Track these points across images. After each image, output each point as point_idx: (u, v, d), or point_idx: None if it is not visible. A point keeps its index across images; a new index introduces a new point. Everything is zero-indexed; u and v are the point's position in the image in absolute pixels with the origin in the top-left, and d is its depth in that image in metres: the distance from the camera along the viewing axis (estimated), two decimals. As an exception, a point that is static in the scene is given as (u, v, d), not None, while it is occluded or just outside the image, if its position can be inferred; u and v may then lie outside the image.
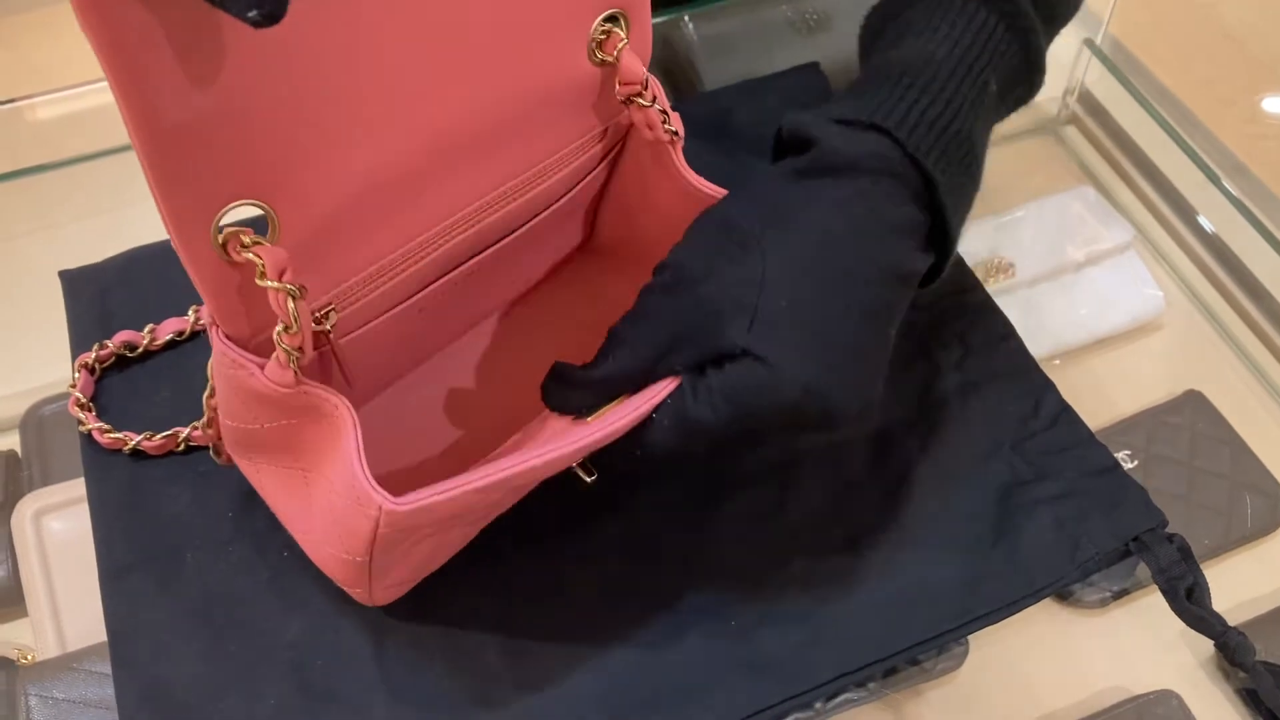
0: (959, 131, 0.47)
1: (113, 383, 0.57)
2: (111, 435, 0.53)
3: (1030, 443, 0.54)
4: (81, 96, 0.74)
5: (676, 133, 0.48)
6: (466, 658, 0.48)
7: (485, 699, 0.47)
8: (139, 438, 0.53)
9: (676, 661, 0.48)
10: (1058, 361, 0.67)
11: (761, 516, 0.52)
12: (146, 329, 0.57)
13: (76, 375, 0.56)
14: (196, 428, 0.54)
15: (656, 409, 0.43)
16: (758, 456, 0.54)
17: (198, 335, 0.58)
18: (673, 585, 0.50)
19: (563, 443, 0.41)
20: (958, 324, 0.59)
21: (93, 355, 0.56)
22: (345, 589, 0.44)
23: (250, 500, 0.51)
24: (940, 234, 0.48)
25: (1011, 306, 0.68)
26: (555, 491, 0.48)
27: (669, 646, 0.48)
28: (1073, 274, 0.70)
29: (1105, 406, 0.65)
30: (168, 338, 0.58)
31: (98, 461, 0.53)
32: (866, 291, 0.45)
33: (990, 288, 0.69)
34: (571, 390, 0.45)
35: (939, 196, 0.46)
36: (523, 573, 0.50)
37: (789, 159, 0.48)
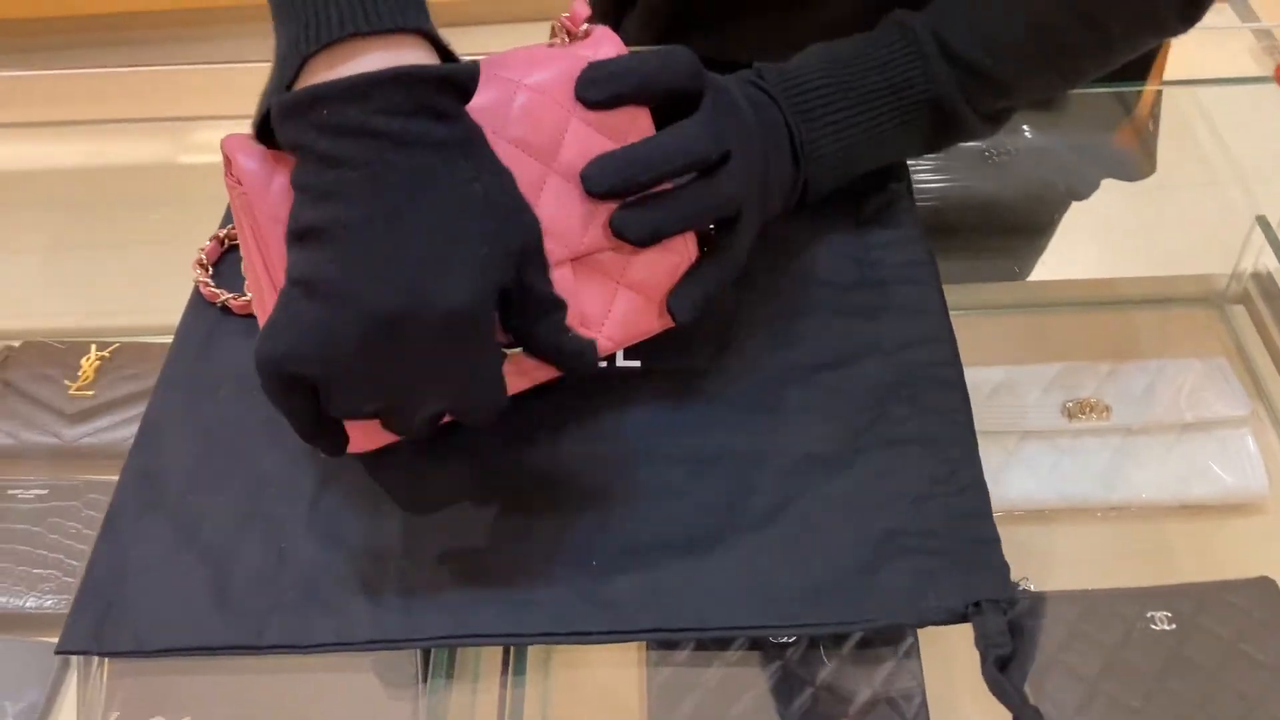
0: None
1: (236, 258, 0.68)
2: (211, 289, 0.66)
3: (930, 502, 0.56)
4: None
5: None
6: (372, 520, 0.56)
7: (372, 550, 0.55)
8: (229, 295, 0.65)
9: (528, 573, 0.54)
10: (1131, 510, 0.64)
11: (666, 488, 0.57)
12: None
13: (208, 242, 0.68)
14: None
15: None
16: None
17: None
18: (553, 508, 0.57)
19: None
20: (916, 387, 0.61)
21: (224, 231, 0.68)
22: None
23: None
24: None
25: (1101, 449, 0.66)
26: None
27: (527, 560, 0.55)
28: (1175, 434, 0.66)
29: (1165, 568, 0.61)
30: None
31: (194, 306, 0.66)
32: (758, 142, 0.59)
33: (1075, 425, 0.67)
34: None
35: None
36: (441, 470, 0.58)
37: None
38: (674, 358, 0.62)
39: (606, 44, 0.55)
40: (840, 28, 0.64)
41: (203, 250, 0.68)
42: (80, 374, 0.71)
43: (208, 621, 0.52)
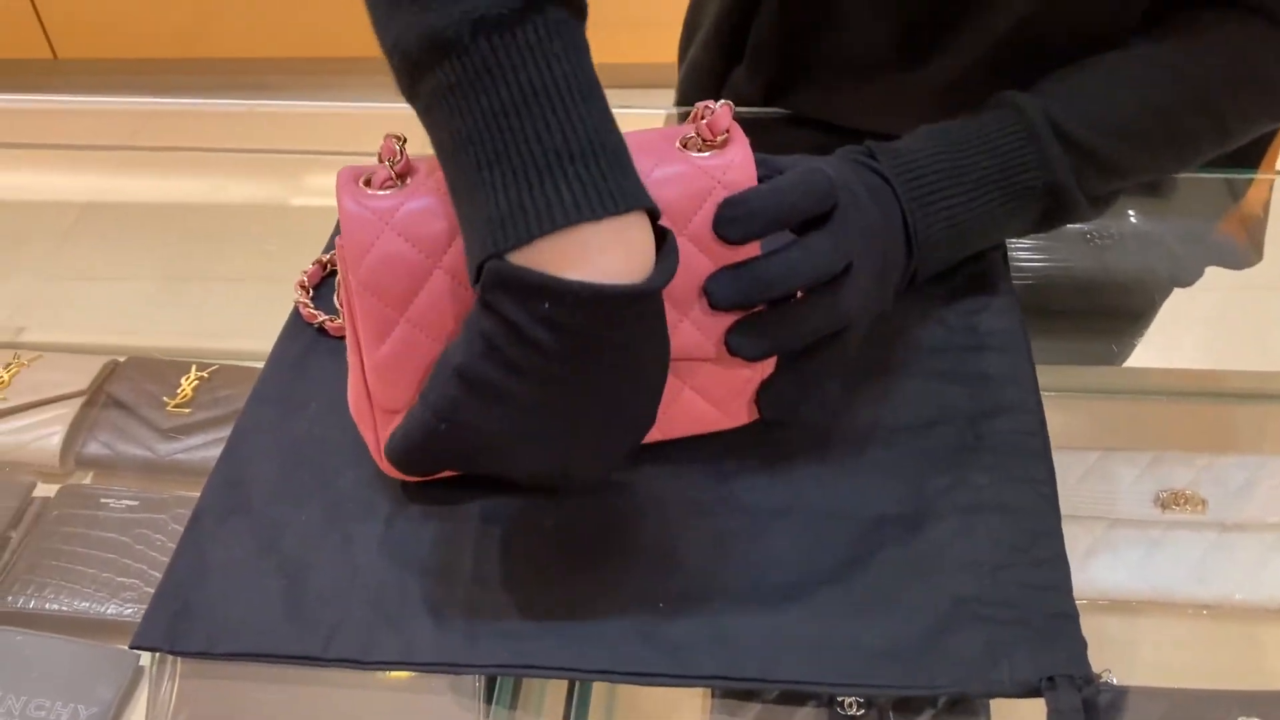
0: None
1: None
2: (310, 311, 0.70)
3: (1007, 572, 0.55)
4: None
5: None
6: (444, 543, 0.57)
7: (441, 572, 0.56)
8: (326, 317, 0.69)
9: (593, 609, 0.54)
10: (1224, 609, 0.61)
11: (737, 536, 0.57)
12: None
13: (311, 265, 0.72)
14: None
15: None
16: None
17: None
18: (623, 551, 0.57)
19: None
20: (1000, 456, 0.60)
21: (326, 256, 0.72)
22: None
23: None
24: None
25: (1194, 543, 0.64)
26: None
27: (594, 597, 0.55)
28: (1275, 533, 0.64)
29: (1257, 672, 0.59)
30: None
31: (292, 325, 0.70)
32: (886, 250, 0.60)
33: (1168, 516, 0.65)
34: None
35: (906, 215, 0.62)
36: (517, 500, 0.59)
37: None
38: None
39: (738, 161, 0.53)
40: (947, 90, 0.65)
41: (305, 273, 0.72)
42: (179, 392, 0.73)
43: (277, 629, 0.53)
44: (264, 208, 0.99)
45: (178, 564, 0.57)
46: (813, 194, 0.54)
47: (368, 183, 0.51)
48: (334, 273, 0.72)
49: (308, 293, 0.71)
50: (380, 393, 0.55)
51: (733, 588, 0.55)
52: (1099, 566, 0.64)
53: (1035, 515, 0.57)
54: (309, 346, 0.68)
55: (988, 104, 0.65)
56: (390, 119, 0.53)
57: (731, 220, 0.52)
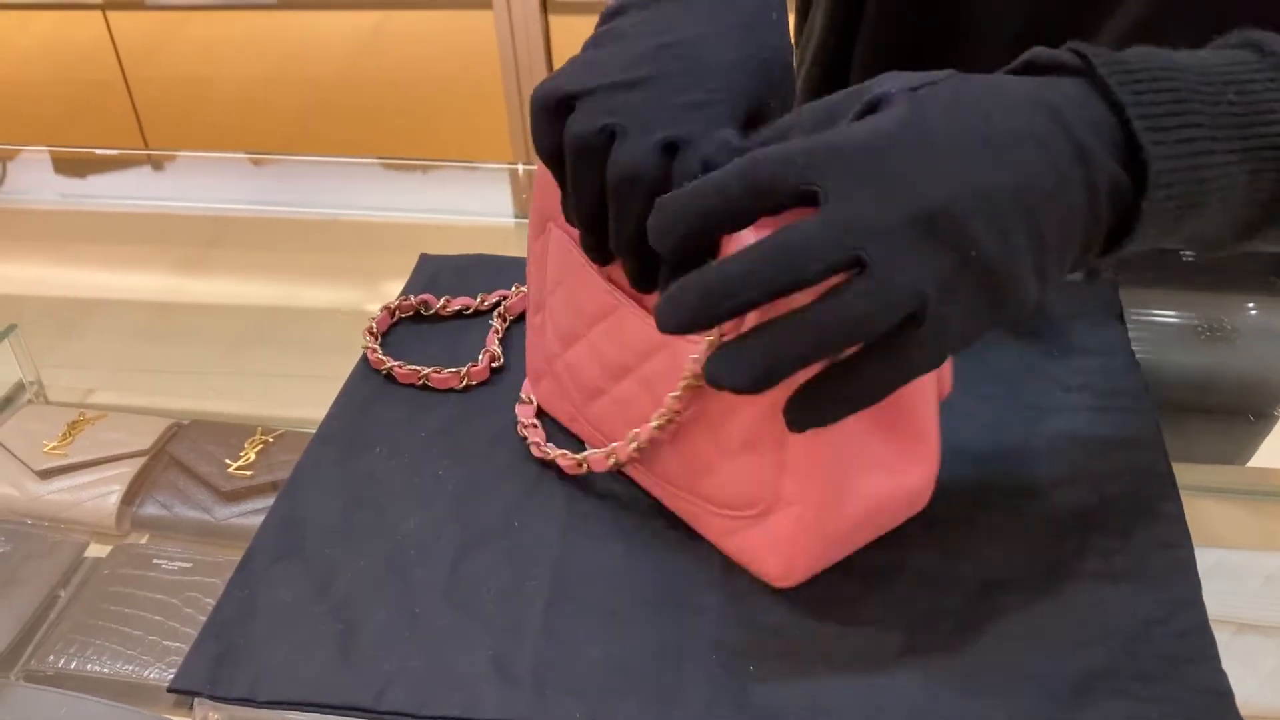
0: (1181, 99, 0.44)
1: (404, 329, 0.75)
2: (378, 356, 0.72)
3: (1144, 644, 0.50)
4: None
5: None
6: (512, 592, 0.54)
7: (508, 624, 0.52)
8: (394, 363, 0.71)
9: (676, 669, 0.50)
10: None
11: (838, 599, 0.53)
12: (442, 299, 0.74)
13: (379, 312, 0.73)
14: (439, 371, 0.70)
15: None
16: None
17: (479, 314, 0.75)
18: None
19: None
20: (1129, 520, 0.55)
21: (395, 303, 0.74)
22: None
23: (441, 431, 0.66)
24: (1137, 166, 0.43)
25: None
26: None
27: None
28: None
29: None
30: (455, 309, 0.75)
31: (360, 370, 0.71)
32: (1050, 148, 0.41)
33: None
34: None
35: (1128, 115, 0.42)
36: (595, 546, 0.56)
37: None
38: None
39: None
40: None
41: (373, 320, 0.74)
42: (242, 454, 0.71)
43: (328, 677, 0.49)
44: (334, 273, 0.99)
45: (225, 605, 0.54)
46: (749, 194, 0.41)
47: None
48: (401, 320, 0.75)
49: (376, 338, 0.73)
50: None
51: (832, 652, 0.50)
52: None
53: (1172, 583, 0.53)
54: (376, 391, 0.68)
55: (1213, 40, 0.49)
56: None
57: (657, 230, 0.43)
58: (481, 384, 0.70)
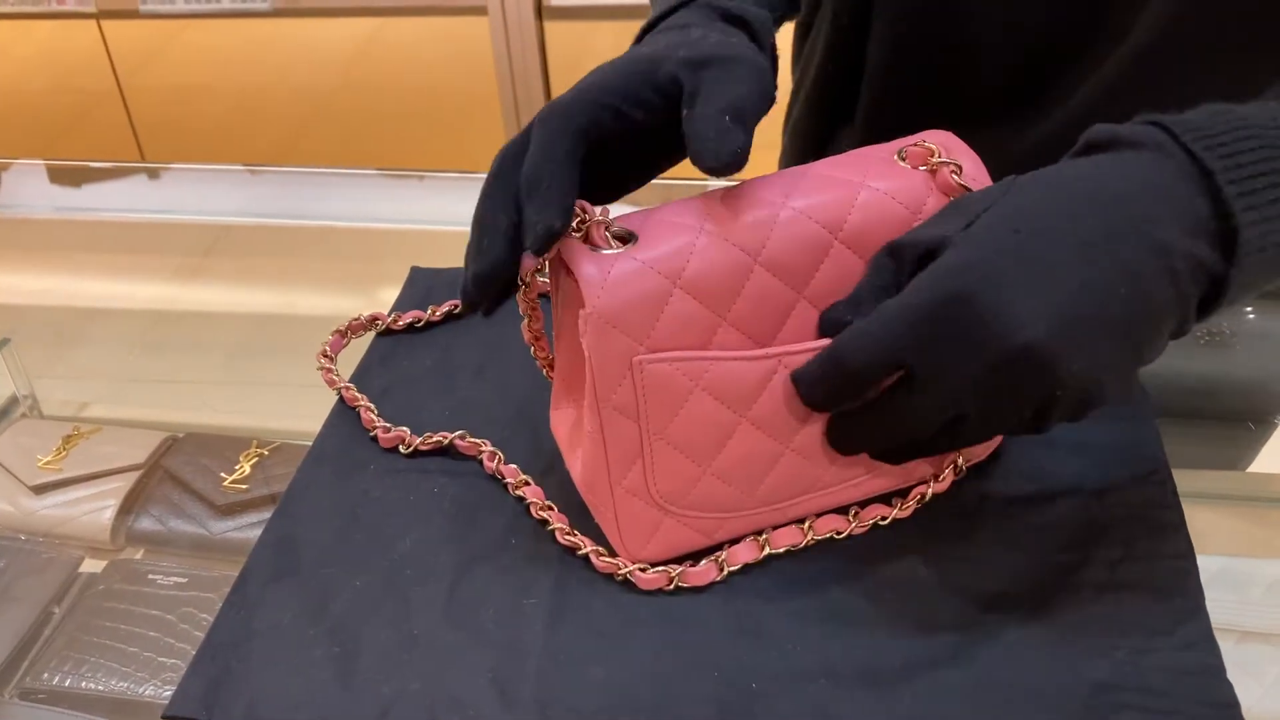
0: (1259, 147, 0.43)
1: (396, 340, 0.72)
2: (331, 377, 0.69)
3: (1150, 656, 0.50)
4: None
5: None
6: (513, 612, 0.53)
7: (510, 644, 0.51)
8: (344, 384, 0.68)
9: (677, 688, 0.49)
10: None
11: (839, 613, 0.52)
12: (429, 308, 0.73)
13: (331, 335, 0.72)
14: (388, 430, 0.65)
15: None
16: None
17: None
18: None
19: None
20: (1131, 530, 0.54)
21: (344, 325, 0.73)
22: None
23: (433, 455, 0.62)
24: (1227, 235, 0.42)
25: None
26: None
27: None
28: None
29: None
30: (446, 310, 0.73)
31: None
32: (1122, 250, 0.41)
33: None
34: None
35: (1218, 183, 0.42)
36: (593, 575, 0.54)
37: None
38: None
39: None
40: (1054, 144, 0.57)
41: (326, 343, 0.72)
42: (237, 468, 0.70)
43: (325, 701, 0.49)
44: (334, 287, 0.98)
45: (220, 627, 0.53)
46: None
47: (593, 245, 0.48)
48: (353, 339, 0.73)
49: (330, 360, 0.71)
50: (677, 472, 0.51)
51: (833, 665, 0.49)
52: (1229, 685, 0.57)
53: (1176, 593, 0.52)
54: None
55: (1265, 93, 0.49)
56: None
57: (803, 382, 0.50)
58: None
